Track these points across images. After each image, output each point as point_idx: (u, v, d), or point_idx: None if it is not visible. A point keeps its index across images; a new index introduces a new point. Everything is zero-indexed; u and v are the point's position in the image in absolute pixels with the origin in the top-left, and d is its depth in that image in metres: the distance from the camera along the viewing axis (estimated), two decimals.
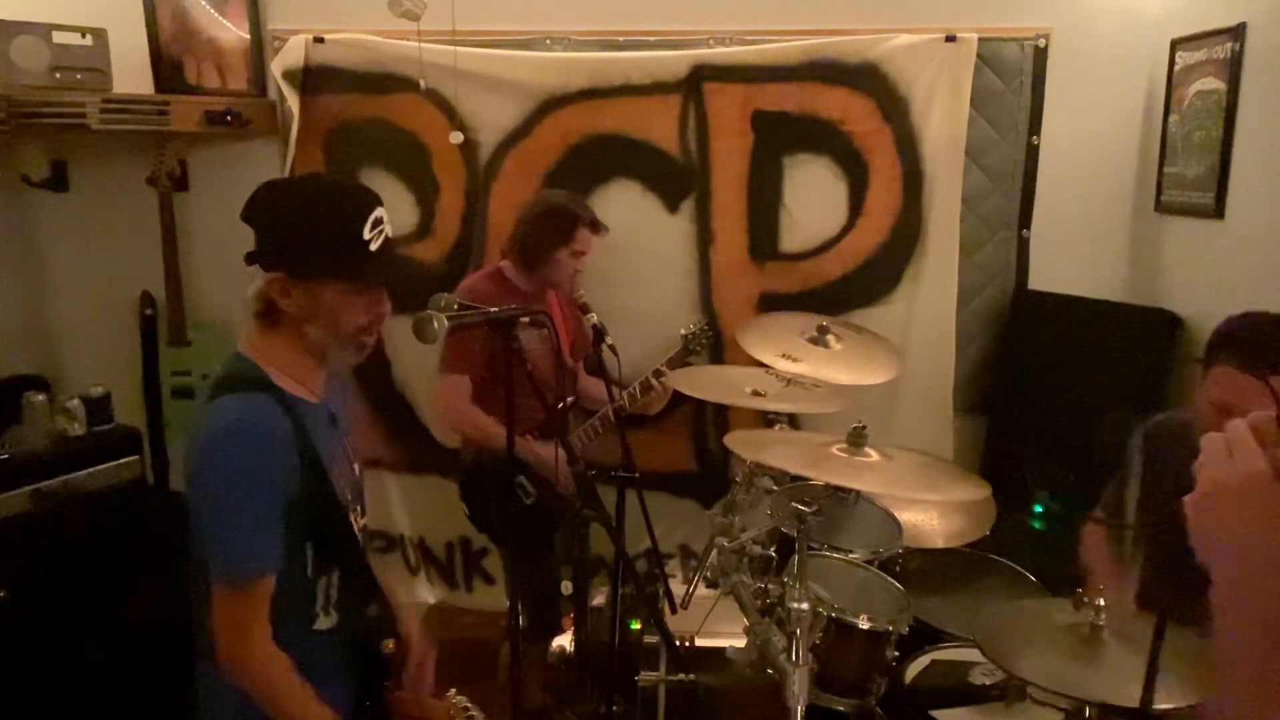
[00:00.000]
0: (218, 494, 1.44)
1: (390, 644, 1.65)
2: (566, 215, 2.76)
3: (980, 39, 2.94)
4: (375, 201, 1.55)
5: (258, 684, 1.48)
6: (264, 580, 1.46)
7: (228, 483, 1.43)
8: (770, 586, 2.13)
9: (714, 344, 3.17)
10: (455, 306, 1.76)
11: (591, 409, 2.99)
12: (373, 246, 1.51)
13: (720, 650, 2.41)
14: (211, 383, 1.52)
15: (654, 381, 2.95)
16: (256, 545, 1.45)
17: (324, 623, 1.59)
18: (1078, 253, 3.13)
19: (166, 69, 3.12)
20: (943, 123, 2.99)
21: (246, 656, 1.46)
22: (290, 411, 1.49)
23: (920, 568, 2.42)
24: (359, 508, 1.69)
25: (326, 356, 1.58)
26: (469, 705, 1.57)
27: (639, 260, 3.14)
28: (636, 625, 2.69)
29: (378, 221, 1.53)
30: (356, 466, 1.71)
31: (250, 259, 1.52)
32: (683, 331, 3.10)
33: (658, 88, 3.05)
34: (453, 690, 1.60)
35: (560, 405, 2.51)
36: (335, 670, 1.60)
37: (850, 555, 2.34)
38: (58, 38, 2.79)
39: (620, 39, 3.06)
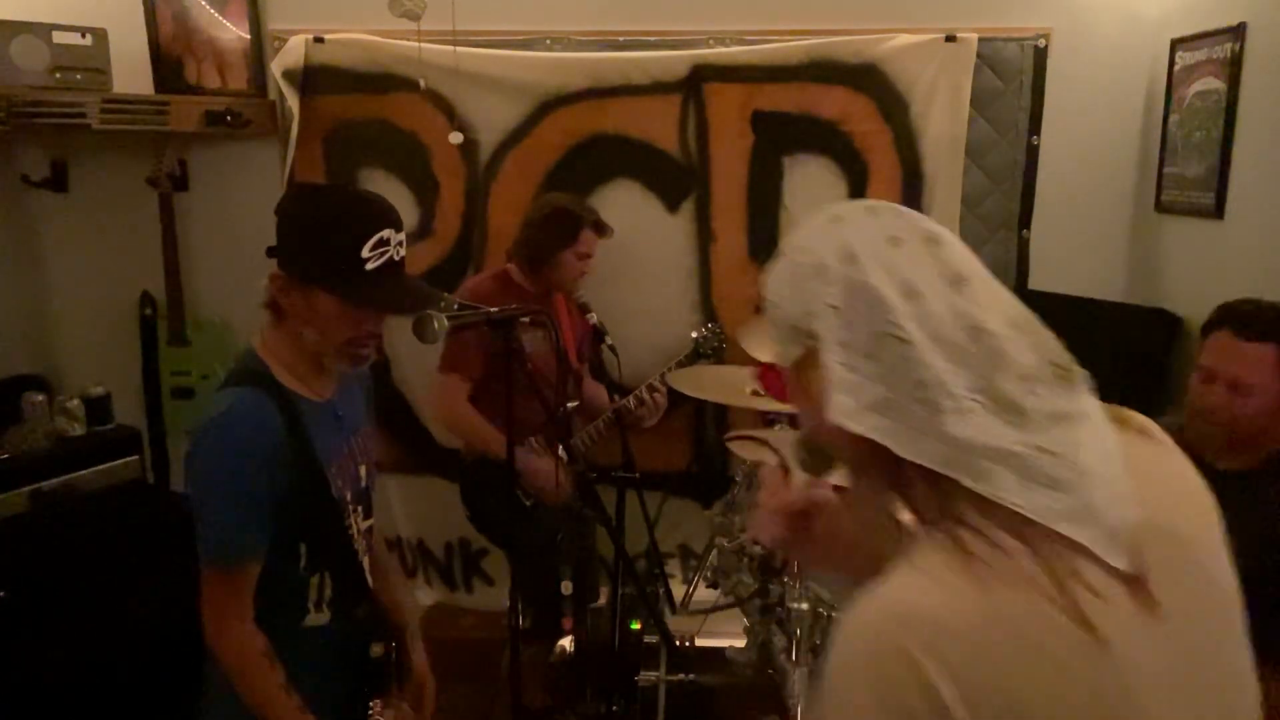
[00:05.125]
0: (205, 480, 1.48)
1: (379, 648, 1.66)
2: (570, 217, 2.76)
3: (980, 39, 2.94)
4: (386, 222, 1.51)
5: (232, 661, 1.49)
6: (248, 565, 1.49)
7: (213, 469, 1.47)
8: (770, 586, 2.14)
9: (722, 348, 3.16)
10: (455, 306, 1.77)
11: (594, 415, 2.98)
12: (369, 266, 1.48)
13: (720, 650, 2.42)
14: (222, 378, 1.59)
15: (646, 396, 2.91)
16: (240, 530, 1.48)
17: (315, 619, 1.60)
18: (1078, 253, 3.12)
19: (166, 69, 3.12)
20: (943, 123, 2.99)
21: (224, 634, 1.49)
22: (286, 407, 1.50)
23: None
24: (360, 508, 1.68)
25: (322, 360, 1.59)
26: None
27: (639, 260, 3.13)
28: (636, 625, 2.70)
29: (382, 243, 1.49)
30: (363, 468, 1.70)
31: (269, 252, 1.54)
32: (694, 335, 3.10)
33: (658, 88, 3.05)
34: (376, 702, 1.63)
35: (562, 409, 2.51)
36: (326, 672, 1.60)
37: None
38: (58, 38, 2.79)
39: (620, 39, 3.06)
